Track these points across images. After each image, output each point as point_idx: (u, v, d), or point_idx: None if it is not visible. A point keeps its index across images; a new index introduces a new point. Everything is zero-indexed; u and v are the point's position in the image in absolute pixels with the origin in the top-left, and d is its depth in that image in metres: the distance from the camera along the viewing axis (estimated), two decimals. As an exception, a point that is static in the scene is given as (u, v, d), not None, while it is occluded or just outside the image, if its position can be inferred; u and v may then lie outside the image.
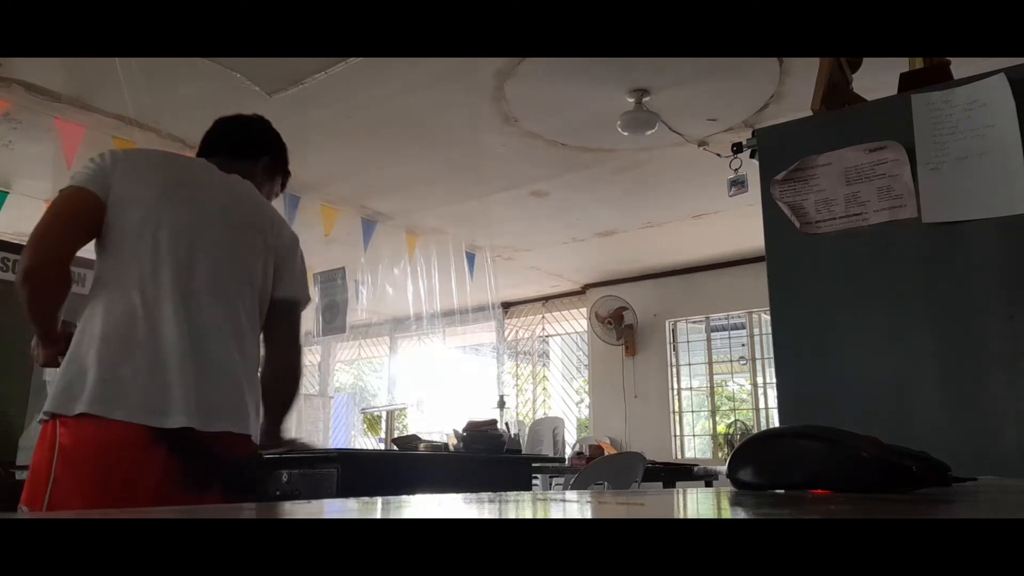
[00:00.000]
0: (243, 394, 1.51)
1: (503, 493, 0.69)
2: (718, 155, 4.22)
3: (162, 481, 1.36)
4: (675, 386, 6.82)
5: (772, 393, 6.16)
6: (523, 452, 3.42)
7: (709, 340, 6.82)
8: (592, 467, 4.46)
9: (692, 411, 6.95)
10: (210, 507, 0.51)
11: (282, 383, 1.68)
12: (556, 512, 0.53)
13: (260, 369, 1.64)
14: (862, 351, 1.66)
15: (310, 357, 9.06)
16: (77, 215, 1.48)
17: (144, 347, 1.42)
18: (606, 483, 4.12)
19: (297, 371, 1.74)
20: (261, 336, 1.66)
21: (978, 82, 1.60)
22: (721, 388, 7.23)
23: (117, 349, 1.41)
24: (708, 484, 4.82)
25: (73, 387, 1.37)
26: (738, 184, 2.88)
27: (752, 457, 0.75)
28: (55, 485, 1.34)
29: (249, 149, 1.78)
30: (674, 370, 6.85)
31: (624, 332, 6.90)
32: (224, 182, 1.67)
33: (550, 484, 5.50)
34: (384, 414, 9.12)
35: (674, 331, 6.94)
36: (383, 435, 9.10)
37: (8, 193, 4.78)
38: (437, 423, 7.47)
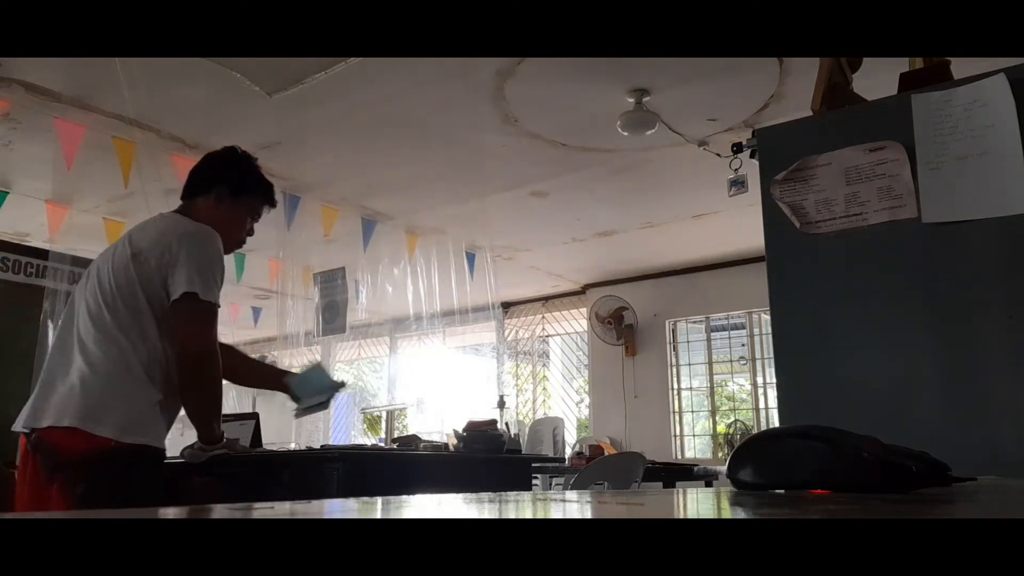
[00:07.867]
0: (77, 393, 1.69)
1: (503, 493, 0.69)
2: (718, 155, 4.22)
3: (33, 474, 1.68)
4: (675, 386, 6.81)
5: (772, 393, 6.16)
6: (523, 452, 3.42)
7: (709, 340, 6.81)
8: (592, 467, 4.46)
9: (692, 411, 6.95)
10: (209, 507, 0.51)
11: (186, 391, 1.80)
12: (556, 512, 0.53)
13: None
14: (862, 351, 1.66)
15: (309, 357, 9.05)
16: None
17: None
18: (606, 483, 4.11)
19: (198, 377, 1.80)
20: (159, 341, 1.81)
21: (978, 82, 1.59)
22: (721, 388, 7.23)
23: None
24: (708, 484, 4.82)
25: None
26: (738, 184, 2.88)
27: (752, 457, 0.75)
28: None
29: (201, 186, 1.97)
30: (674, 370, 6.84)
31: (624, 332, 6.90)
32: (144, 226, 1.91)
33: (550, 484, 5.50)
34: (384, 414, 9.11)
35: (674, 331, 6.93)
36: (383, 435, 9.09)
37: (8, 193, 4.77)
38: (437, 423, 7.46)
